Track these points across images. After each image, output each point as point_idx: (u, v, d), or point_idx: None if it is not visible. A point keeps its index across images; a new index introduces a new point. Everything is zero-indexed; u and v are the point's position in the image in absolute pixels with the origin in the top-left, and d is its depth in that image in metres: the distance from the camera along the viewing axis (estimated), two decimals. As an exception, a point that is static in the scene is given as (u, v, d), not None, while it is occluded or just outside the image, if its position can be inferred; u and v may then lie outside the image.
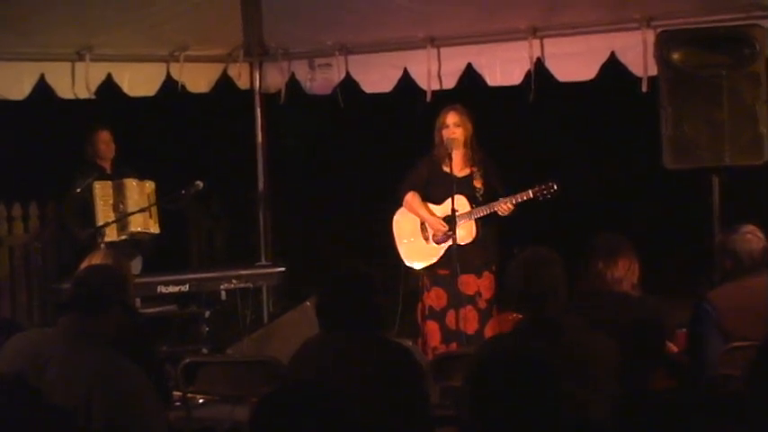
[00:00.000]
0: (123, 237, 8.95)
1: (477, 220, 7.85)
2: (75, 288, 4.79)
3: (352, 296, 4.86)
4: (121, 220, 8.92)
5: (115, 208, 9.02)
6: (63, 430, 4.16)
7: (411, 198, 8.10)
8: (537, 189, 7.72)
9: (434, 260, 7.99)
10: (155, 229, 9.16)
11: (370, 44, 9.29)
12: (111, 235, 8.86)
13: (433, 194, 8.06)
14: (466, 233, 7.82)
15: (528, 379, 3.37)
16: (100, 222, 8.88)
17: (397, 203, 8.19)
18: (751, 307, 5.79)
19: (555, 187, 7.69)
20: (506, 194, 7.80)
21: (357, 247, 10.80)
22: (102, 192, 9.02)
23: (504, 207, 7.75)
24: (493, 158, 8.06)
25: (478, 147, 8.01)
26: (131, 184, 9.10)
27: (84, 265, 5.43)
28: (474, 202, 7.87)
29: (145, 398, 4.65)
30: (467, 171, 7.96)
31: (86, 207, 9.01)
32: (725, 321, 5.79)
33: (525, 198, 7.75)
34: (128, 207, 8.99)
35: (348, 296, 4.87)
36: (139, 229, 9.03)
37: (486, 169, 7.97)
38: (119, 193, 9.06)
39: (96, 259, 5.30)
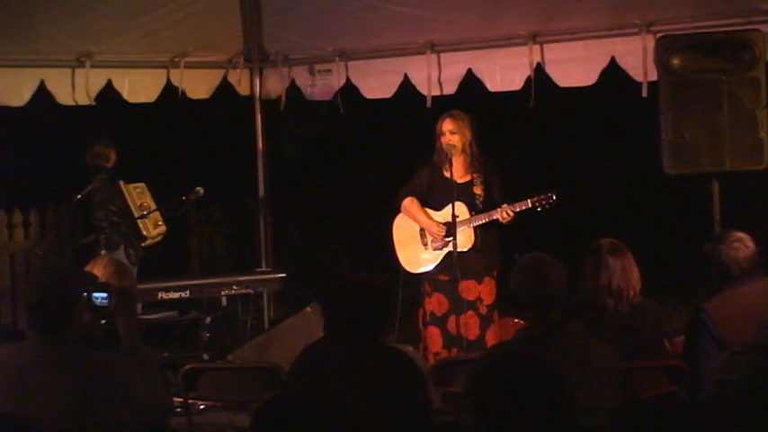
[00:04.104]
0: (158, 235, 9.00)
1: (475, 228, 7.85)
2: (31, 314, 4.72)
3: (356, 304, 4.86)
4: (153, 215, 8.97)
5: (143, 208, 9.04)
6: None
7: (409, 203, 8.11)
8: (536, 199, 7.72)
9: (433, 266, 7.99)
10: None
11: (371, 50, 9.30)
12: (149, 231, 8.88)
13: (433, 200, 8.06)
14: (465, 240, 7.83)
15: (532, 385, 3.37)
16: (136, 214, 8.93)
17: (396, 209, 8.19)
18: (747, 314, 5.79)
19: (554, 198, 7.69)
20: (504, 202, 7.80)
21: (357, 253, 10.80)
22: (130, 190, 9.05)
23: (503, 215, 7.75)
24: (494, 164, 8.06)
25: (479, 152, 8.01)
26: (145, 188, 9.14)
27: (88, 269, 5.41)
28: (473, 208, 7.87)
29: (133, 383, 4.66)
30: (467, 177, 7.96)
31: (87, 213, 9.02)
32: (722, 331, 5.78)
33: (524, 207, 7.75)
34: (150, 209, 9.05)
35: (352, 304, 4.87)
36: (160, 238, 9.08)
37: (487, 176, 7.97)
38: (143, 196, 9.09)
39: (98, 266, 5.28)
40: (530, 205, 7.73)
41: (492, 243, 7.96)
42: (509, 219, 7.76)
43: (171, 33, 9.29)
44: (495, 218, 7.78)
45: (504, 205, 7.76)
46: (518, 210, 7.75)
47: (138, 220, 8.87)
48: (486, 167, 8.01)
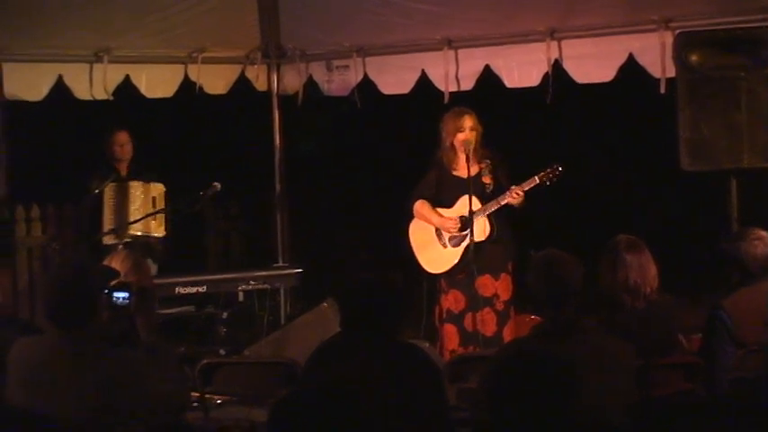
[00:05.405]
0: (126, 240, 8.91)
1: (489, 216, 7.83)
2: (51, 308, 4.73)
3: (373, 300, 4.86)
4: (122, 228, 8.90)
5: (117, 211, 9.02)
6: None
7: (420, 206, 8.08)
8: (542, 174, 7.71)
9: (454, 263, 7.96)
10: (158, 231, 9.10)
11: (388, 46, 9.31)
12: (111, 238, 8.85)
13: (444, 198, 8.04)
14: (479, 230, 7.80)
15: (547, 382, 3.37)
16: (105, 226, 8.90)
17: (409, 215, 8.16)
18: (765, 312, 5.77)
19: (560, 169, 7.68)
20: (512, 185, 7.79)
21: (374, 249, 10.79)
22: (109, 194, 9.04)
23: (513, 195, 7.72)
24: (499, 152, 8.03)
25: (483, 143, 7.99)
26: (136, 185, 9.09)
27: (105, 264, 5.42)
28: (484, 198, 7.85)
29: (151, 380, 4.69)
30: (475, 169, 7.91)
31: (99, 210, 9.04)
32: (739, 329, 5.77)
33: (532, 185, 7.74)
34: (129, 210, 8.99)
35: (368, 300, 4.87)
36: (139, 232, 9.00)
37: (494, 164, 7.95)
38: (122, 196, 9.05)
39: (116, 261, 5.30)
40: (537, 181, 7.72)
41: (506, 233, 7.94)
42: (519, 199, 7.74)
43: (188, 29, 9.32)
44: (505, 202, 7.76)
45: (513, 187, 7.74)
46: (526, 188, 7.73)
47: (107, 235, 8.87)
48: (492, 156, 7.98)
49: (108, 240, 8.83)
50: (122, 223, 8.91)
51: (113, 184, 9.09)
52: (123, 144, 9.28)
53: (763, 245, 5.91)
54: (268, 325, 8.96)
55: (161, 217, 9.10)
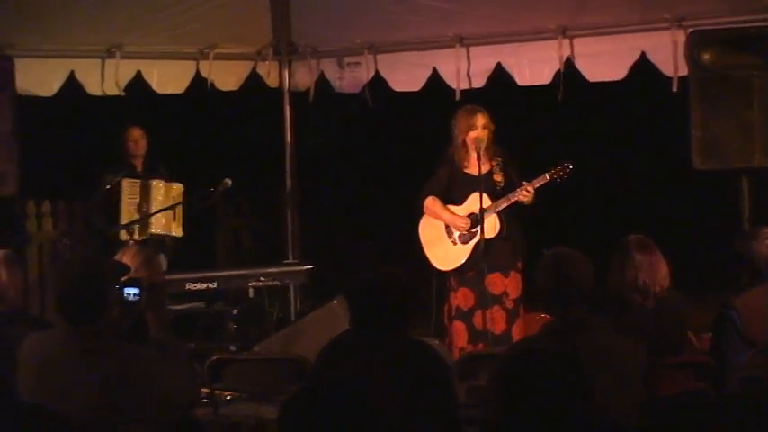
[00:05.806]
0: (143, 237, 8.93)
1: (499, 214, 7.82)
2: (62, 303, 4.73)
3: (382, 297, 4.86)
4: (143, 220, 8.93)
5: (139, 208, 9.04)
6: None
7: (431, 203, 8.07)
8: (553, 171, 7.71)
9: (464, 260, 7.96)
10: (177, 232, 9.14)
11: (399, 43, 9.31)
12: (133, 235, 8.86)
13: (454, 195, 8.04)
14: (489, 227, 7.79)
15: (556, 380, 3.36)
16: (123, 220, 8.92)
17: (419, 212, 8.16)
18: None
19: (570, 167, 7.67)
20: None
21: (384, 247, 10.80)
22: (129, 190, 9.07)
23: (524, 193, 7.71)
24: (507, 149, 8.02)
25: (494, 141, 7.98)
26: (158, 185, 9.12)
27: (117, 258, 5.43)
28: (494, 196, 7.84)
29: (160, 376, 4.68)
30: (486, 167, 7.91)
31: (112, 204, 9.06)
32: (749, 328, 5.76)
33: (543, 182, 7.73)
34: (151, 209, 9.01)
35: (378, 297, 4.87)
36: (160, 231, 9.03)
37: (505, 162, 7.94)
38: (144, 194, 9.08)
39: (127, 256, 5.30)
40: (548, 179, 7.72)
41: (516, 231, 7.94)
42: (530, 197, 7.73)
43: (200, 25, 9.33)
44: (516, 199, 7.75)
45: (524, 183, 7.74)
46: (537, 186, 7.73)
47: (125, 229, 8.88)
48: (502, 153, 7.97)
49: (124, 236, 8.86)
50: (143, 221, 8.94)
51: (133, 180, 9.12)
52: (137, 140, 9.31)
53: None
54: (278, 321, 8.97)
55: (180, 218, 9.13)
